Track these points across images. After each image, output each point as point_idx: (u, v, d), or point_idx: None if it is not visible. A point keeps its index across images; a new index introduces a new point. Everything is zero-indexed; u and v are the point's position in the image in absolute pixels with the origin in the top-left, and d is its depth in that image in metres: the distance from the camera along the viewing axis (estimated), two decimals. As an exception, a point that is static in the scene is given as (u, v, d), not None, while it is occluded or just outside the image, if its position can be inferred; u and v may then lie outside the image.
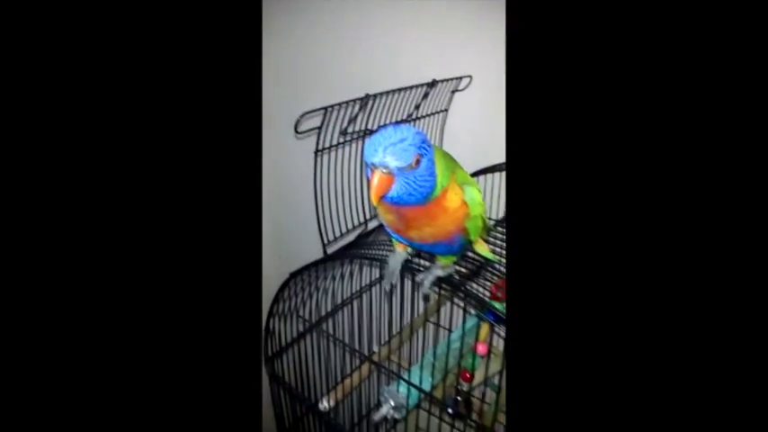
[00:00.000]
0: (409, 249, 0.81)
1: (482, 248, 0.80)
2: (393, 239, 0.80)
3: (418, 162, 0.59)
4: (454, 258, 0.78)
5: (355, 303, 1.19)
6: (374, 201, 0.61)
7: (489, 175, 1.24)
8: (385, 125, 1.06)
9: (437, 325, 1.31)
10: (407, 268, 0.81)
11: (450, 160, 0.70)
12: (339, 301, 1.15)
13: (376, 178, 0.59)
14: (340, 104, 0.91)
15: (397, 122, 1.10)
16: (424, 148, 0.60)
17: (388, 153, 0.58)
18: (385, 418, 0.97)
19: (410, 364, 1.15)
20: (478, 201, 0.69)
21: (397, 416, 0.97)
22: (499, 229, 1.01)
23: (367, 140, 0.62)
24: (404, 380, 0.94)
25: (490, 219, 1.25)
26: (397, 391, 0.95)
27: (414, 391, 0.93)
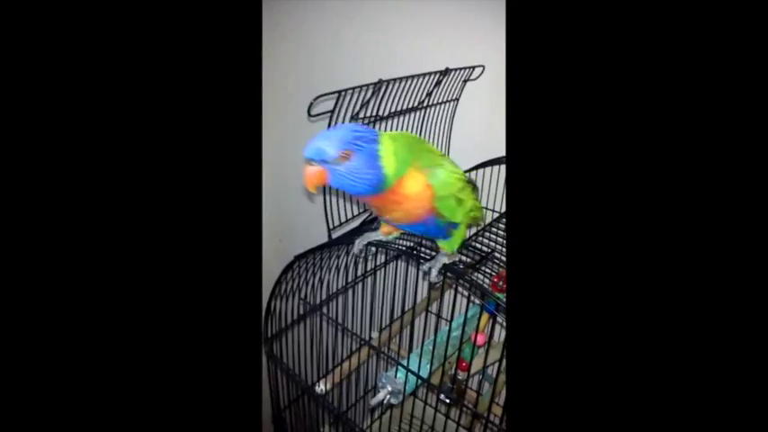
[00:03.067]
0: (395, 234, 0.86)
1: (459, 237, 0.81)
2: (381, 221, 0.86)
3: (348, 157, 0.65)
4: (455, 244, 0.80)
5: (358, 288, 1.20)
6: (310, 189, 0.69)
7: (496, 167, 1.24)
8: (396, 111, 1.06)
9: (437, 315, 1.32)
10: (412, 256, 0.82)
11: (414, 150, 0.72)
12: (341, 285, 1.16)
13: (307, 170, 0.67)
14: (353, 89, 0.91)
15: (408, 109, 1.10)
16: (358, 145, 0.65)
17: (314, 147, 0.66)
18: (381, 403, 0.99)
19: (408, 351, 1.16)
20: (446, 181, 0.72)
21: (393, 401, 0.98)
22: (503, 221, 1.01)
23: None
24: (402, 366, 0.95)
25: (494, 210, 1.25)
26: (395, 376, 0.96)
27: (411, 377, 0.94)
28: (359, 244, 0.87)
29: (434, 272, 0.77)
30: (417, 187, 0.71)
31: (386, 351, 1.11)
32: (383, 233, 0.87)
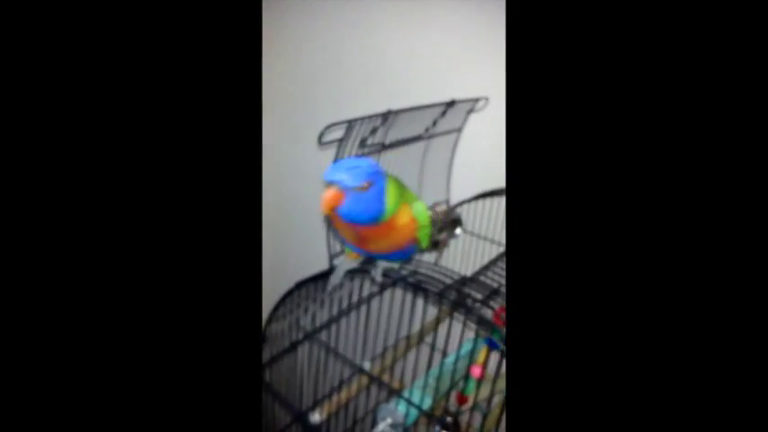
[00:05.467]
0: (360, 258, 0.92)
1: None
2: (346, 249, 0.94)
3: (368, 186, 0.71)
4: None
5: (353, 316, 1.18)
6: (325, 211, 0.72)
7: (497, 198, 1.25)
8: (400, 140, 1.07)
9: (432, 347, 1.30)
10: (411, 285, 0.82)
11: (404, 189, 0.82)
12: (337, 312, 1.15)
13: (327, 192, 0.70)
14: (363, 118, 0.91)
15: (412, 138, 1.11)
16: (375, 178, 0.72)
17: (342, 173, 0.70)
18: (380, 436, 0.96)
19: (401, 382, 1.14)
20: (424, 213, 0.82)
21: (392, 434, 0.96)
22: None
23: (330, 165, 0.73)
24: (404, 399, 0.93)
25: (493, 241, 1.26)
26: (396, 409, 0.95)
27: (413, 410, 0.92)
28: (337, 276, 0.92)
29: (379, 273, 0.86)
30: (406, 219, 0.79)
31: (382, 381, 1.10)
32: (351, 258, 0.93)
